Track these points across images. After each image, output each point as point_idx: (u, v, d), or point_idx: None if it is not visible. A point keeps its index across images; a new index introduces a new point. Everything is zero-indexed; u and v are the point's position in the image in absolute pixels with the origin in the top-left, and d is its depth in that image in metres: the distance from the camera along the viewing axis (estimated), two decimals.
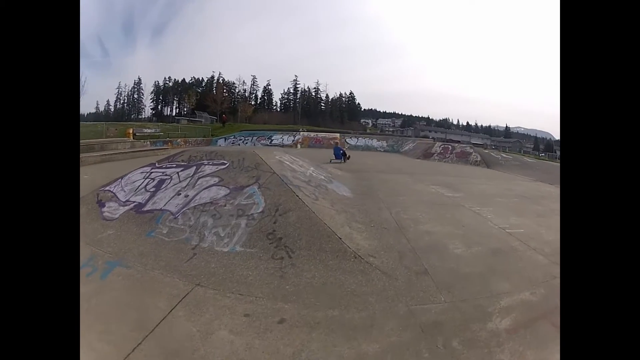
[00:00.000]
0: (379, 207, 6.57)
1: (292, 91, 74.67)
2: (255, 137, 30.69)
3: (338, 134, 31.78)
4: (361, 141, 31.21)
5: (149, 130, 27.65)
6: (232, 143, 29.89)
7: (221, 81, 69.78)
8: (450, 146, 22.16)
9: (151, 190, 5.97)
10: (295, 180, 5.99)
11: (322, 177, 7.87)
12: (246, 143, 30.12)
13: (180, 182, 5.98)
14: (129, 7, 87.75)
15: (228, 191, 5.37)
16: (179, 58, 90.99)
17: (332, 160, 15.48)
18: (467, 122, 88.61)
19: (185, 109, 69.32)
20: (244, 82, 72.23)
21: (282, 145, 29.67)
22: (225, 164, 6.20)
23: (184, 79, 71.69)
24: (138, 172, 6.80)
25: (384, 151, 28.99)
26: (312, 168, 8.18)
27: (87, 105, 69.82)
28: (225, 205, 5.04)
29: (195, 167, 6.33)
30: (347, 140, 30.88)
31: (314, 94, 75.84)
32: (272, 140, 30.49)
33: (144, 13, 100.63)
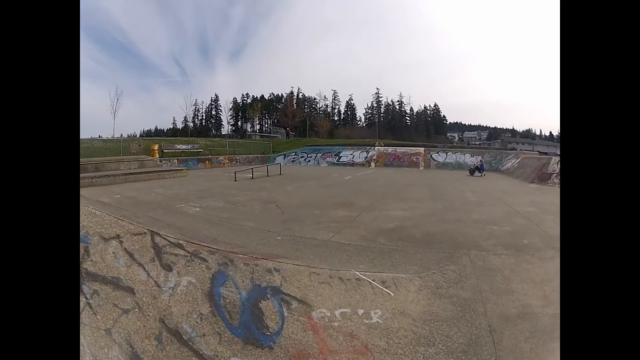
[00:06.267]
0: None
1: (374, 105, 70.22)
2: (321, 154, 27.02)
3: (422, 149, 25.75)
4: (451, 157, 24.51)
5: (183, 147, 24.11)
6: (293, 161, 26.89)
7: (301, 96, 69.92)
8: None
9: None
10: None
11: None
12: (308, 161, 26.72)
13: None
14: (201, 31, 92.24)
15: None
16: (258, 76, 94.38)
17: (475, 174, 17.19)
18: (550, 132, 70.07)
19: (266, 125, 71.18)
20: (325, 97, 70.73)
21: (353, 164, 25.24)
22: None
23: (262, 95, 73.86)
24: None
25: None
26: None
27: (165, 122, 76.59)
28: None
29: None
30: (433, 156, 24.66)
31: (397, 107, 69.90)
32: (339, 157, 26.32)
33: (217, 37, 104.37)
